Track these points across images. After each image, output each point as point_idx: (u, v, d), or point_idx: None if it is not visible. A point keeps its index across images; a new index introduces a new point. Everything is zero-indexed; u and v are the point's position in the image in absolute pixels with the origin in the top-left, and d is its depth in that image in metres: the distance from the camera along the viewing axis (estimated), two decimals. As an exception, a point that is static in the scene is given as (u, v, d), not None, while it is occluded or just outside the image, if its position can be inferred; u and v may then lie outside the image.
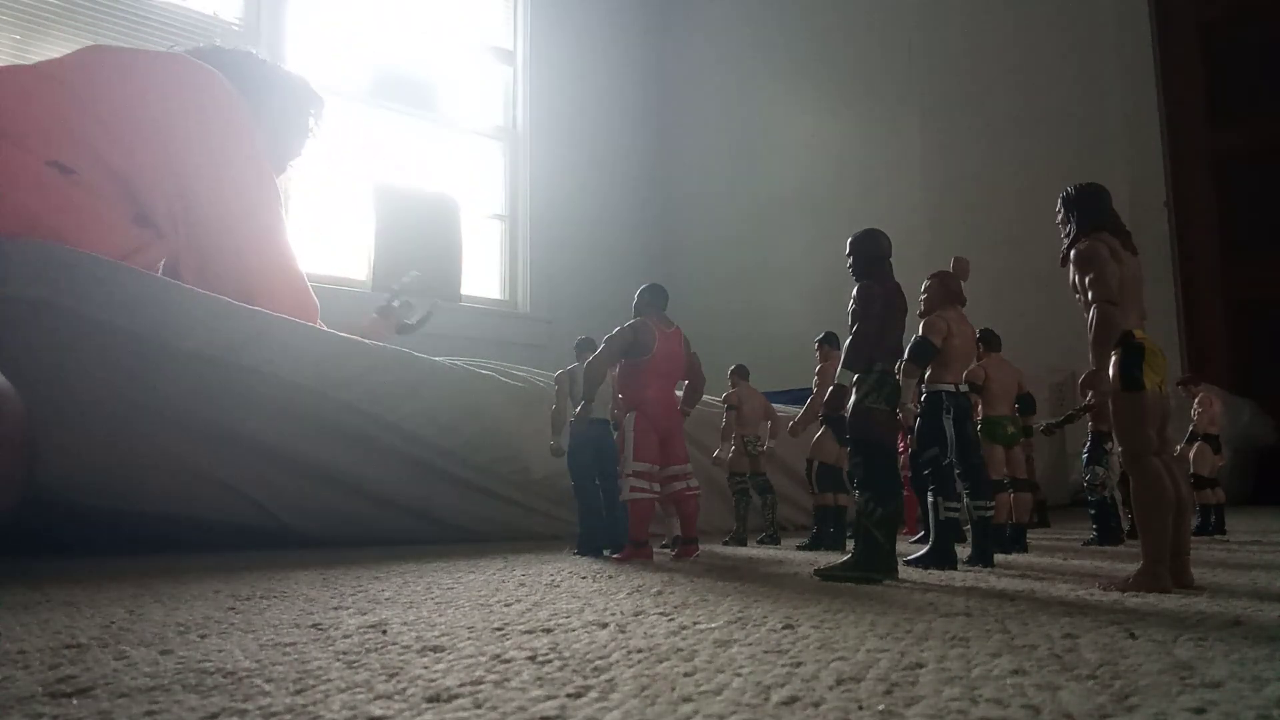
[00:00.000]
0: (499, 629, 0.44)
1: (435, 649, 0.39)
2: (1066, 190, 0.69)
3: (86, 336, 0.89)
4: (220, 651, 0.38)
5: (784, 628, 0.44)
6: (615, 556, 0.89)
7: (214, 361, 0.96)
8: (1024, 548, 1.05)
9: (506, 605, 0.53)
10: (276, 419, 1.01)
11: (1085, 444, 1.19)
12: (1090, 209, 0.67)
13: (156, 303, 0.95)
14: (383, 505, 1.09)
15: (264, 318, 1.03)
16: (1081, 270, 0.65)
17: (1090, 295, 0.63)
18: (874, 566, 0.68)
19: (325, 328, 1.21)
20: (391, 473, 1.10)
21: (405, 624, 0.46)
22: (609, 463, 0.91)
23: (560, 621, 0.47)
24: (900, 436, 1.08)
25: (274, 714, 0.28)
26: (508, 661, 0.36)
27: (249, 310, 1.03)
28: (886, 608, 0.52)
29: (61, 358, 0.88)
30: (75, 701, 0.30)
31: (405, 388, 1.12)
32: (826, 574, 0.69)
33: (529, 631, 0.43)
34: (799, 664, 0.35)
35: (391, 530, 1.11)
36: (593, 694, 0.30)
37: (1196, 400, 1.29)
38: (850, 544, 0.89)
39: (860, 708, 0.28)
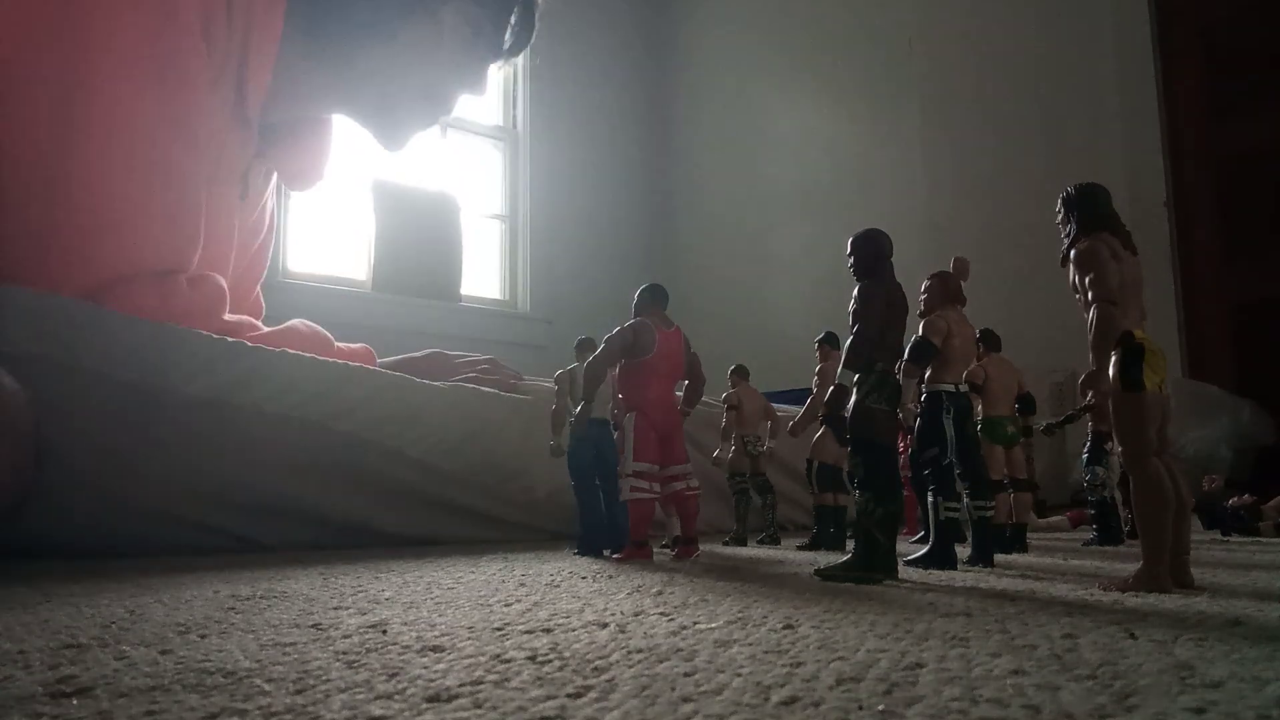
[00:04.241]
0: (499, 629, 0.44)
1: (435, 649, 0.39)
2: (1066, 190, 0.69)
3: (83, 390, 0.86)
4: (220, 651, 0.38)
5: (784, 628, 0.44)
6: (615, 556, 0.89)
7: (212, 404, 0.93)
8: (1024, 547, 1.06)
9: (506, 605, 0.53)
10: (276, 460, 0.97)
11: (1085, 444, 1.19)
12: (1090, 209, 0.67)
13: (156, 349, 0.91)
14: (387, 540, 1.07)
15: (259, 353, 0.99)
16: (1081, 270, 0.65)
17: (1090, 295, 0.63)
18: (874, 566, 0.68)
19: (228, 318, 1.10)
20: (395, 508, 1.07)
21: (405, 624, 0.46)
22: (609, 463, 0.91)
23: (560, 621, 0.47)
24: (900, 436, 1.08)
25: (274, 714, 0.28)
26: (508, 661, 0.36)
27: (245, 347, 0.98)
28: (886, 608, 0.52)
29: (57, 414, 0.84)
30: (75, 701, 0.30)
31: (407, 413, 1.08)
32: (826, 574, 0.69)
33: (529, 631, 0.43)
34: (799, 664, 0.35)
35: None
36: (593, 694, 0.30)
37: None
38: (850, 544, 0.88)
39: (860, 708, 0.28)
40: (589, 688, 0.31)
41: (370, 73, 1.13)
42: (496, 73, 1.31)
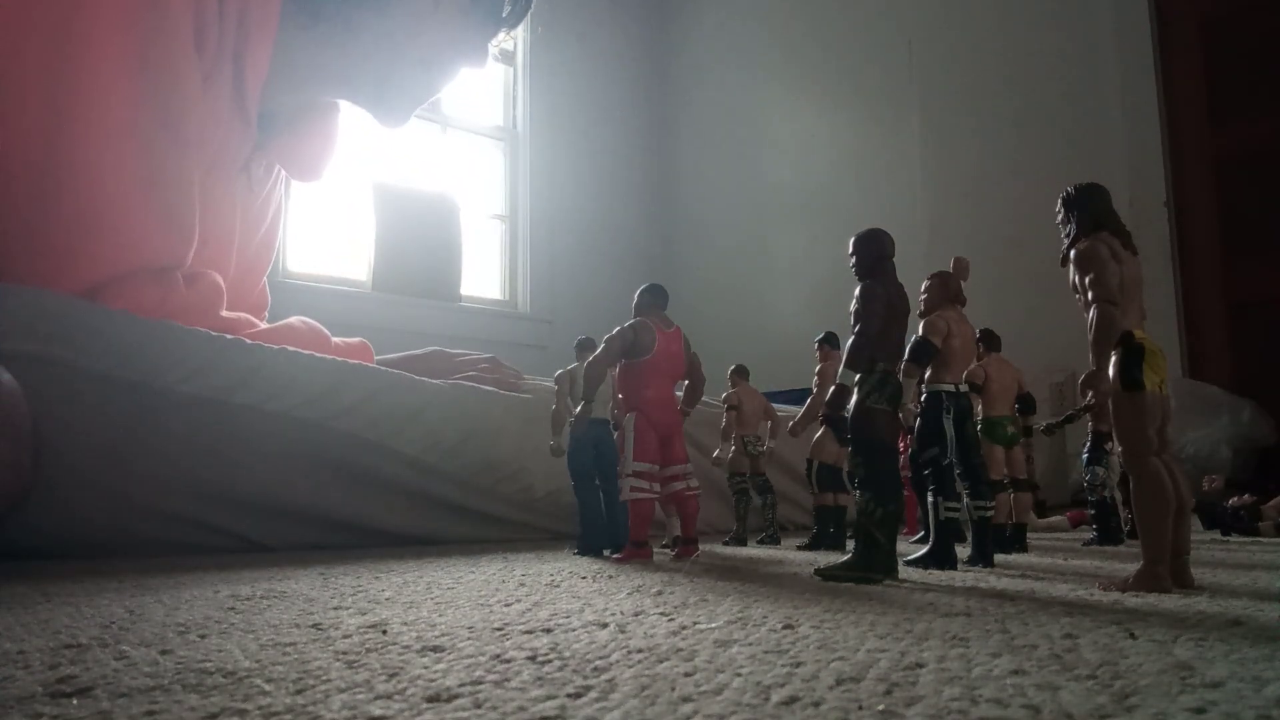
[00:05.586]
0: (499, 629, 0.44)
1: (435, 649, 0.39)
2: (1066, 190, 0.69)
3: (82, 388, 0.86)
4: (220, 651, 0.38)
5: (784, 628, 0.44)
6: (615, 557, 0.89)
7: (212, 403, 0.93)
8: (1024, 547, 1.06)
9: (506, 605, 0.53)
10: (276, 460, 0.97)
11: (1085, 444, 1.19)
12: (1090, 209, 0.67)
13: (155, 347, 0.90)
14: (387, 540, 1.07)
15: (259, 351, 0.98)
16: (1081, 270, 0.65)
17: (1090, 295, 0.63)
18: (874, 566, 0.68)
19: (225, 314, 1.10)
20: (394, 507, 1.07)
21: (405, 624, 0.46)
22: (609, 463, 0.91)
23: (560, 621, 0.47)
24: (900, 436, 1.08)
25: (274, 714, 0.28)
26: (508, 661, 0.36)
27: (244, 345, 0.98)
28: (886, 608, 0.52)
29: (57, 414, 0.84)
30: (75, 701, 0.30)
31: (407, 412, 1.08)
32: (826, 574, 0.69)
33: (529, 631, 0.43)
34: (799, 664, 0.35)
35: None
36: (593, 694, 0.30)
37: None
38: (850, 544, 0.88)
39: (860, 708, 0.28)
40: (589, 688, 0.31)
41: (367, 47, 1.11)
42: (496, 68, 1.32)
